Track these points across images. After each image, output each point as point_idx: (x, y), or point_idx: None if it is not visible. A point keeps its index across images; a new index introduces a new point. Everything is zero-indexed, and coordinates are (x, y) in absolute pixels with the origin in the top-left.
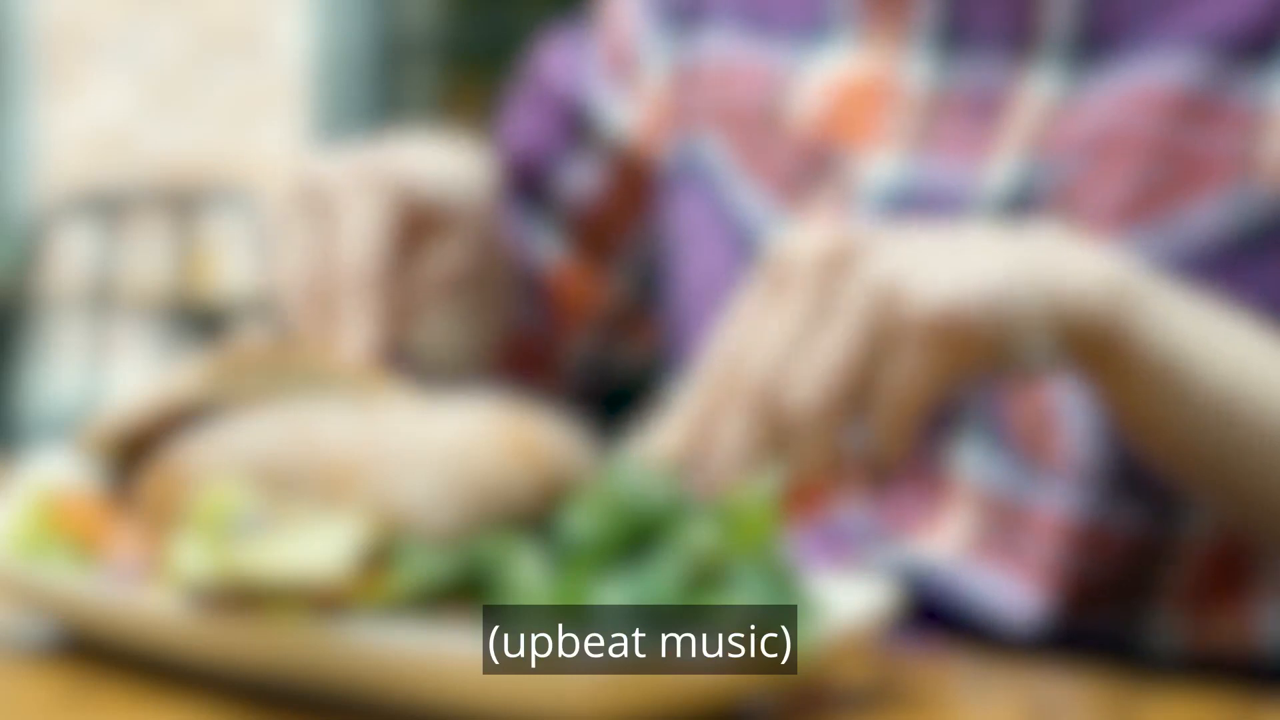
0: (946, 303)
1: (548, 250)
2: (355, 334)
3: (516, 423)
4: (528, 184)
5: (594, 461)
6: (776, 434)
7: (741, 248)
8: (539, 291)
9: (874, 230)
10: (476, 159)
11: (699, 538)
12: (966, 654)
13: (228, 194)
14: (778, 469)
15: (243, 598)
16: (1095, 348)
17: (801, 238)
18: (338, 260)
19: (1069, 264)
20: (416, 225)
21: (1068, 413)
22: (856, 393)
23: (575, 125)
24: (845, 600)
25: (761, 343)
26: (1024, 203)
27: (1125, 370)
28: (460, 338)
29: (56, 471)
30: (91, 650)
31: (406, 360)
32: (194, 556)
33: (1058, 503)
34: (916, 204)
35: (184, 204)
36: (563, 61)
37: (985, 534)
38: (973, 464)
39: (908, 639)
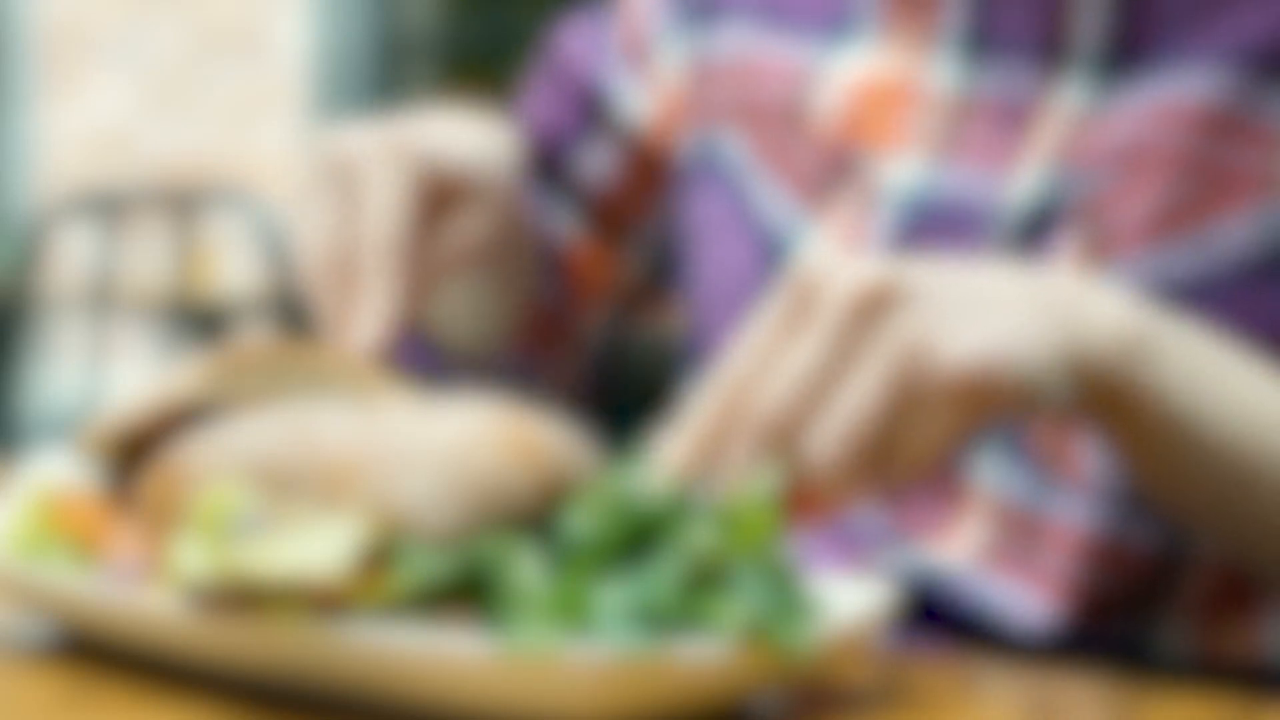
0: (975, 365)
1: (565, 229)
2: (375, 302)
3: (516, 423)
4: (545, 164)
5: (594, 461)
6: (788, 471)
7: (763, 249)
8: (557, 267)
9: (905, 272)
10: (499, 134)
11: (699, 538)
12: (968, 654)
13: (228, 194)
14: (780, 472)
15: (243, 598)
16: (1108, 398)
17: (836, 269)
18: (360, 230)
19: (1087, 314)
20: (439, 197)
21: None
22: (878, 449)
23: (591, 109)
24: (845, 600)
25: (780, 374)
26: (1049, 214)
27: (1135, 420)
28: (482, 309)
29: (56, 471)
30: (91, 650)
31: (427, 331)
32: (194, 556)
33: (1075, 516)
34: (939, 211)
35: (184, 204)
36: (581, 44)
37: (1000, 543)
38: (991, 474)
39: (913, 640)
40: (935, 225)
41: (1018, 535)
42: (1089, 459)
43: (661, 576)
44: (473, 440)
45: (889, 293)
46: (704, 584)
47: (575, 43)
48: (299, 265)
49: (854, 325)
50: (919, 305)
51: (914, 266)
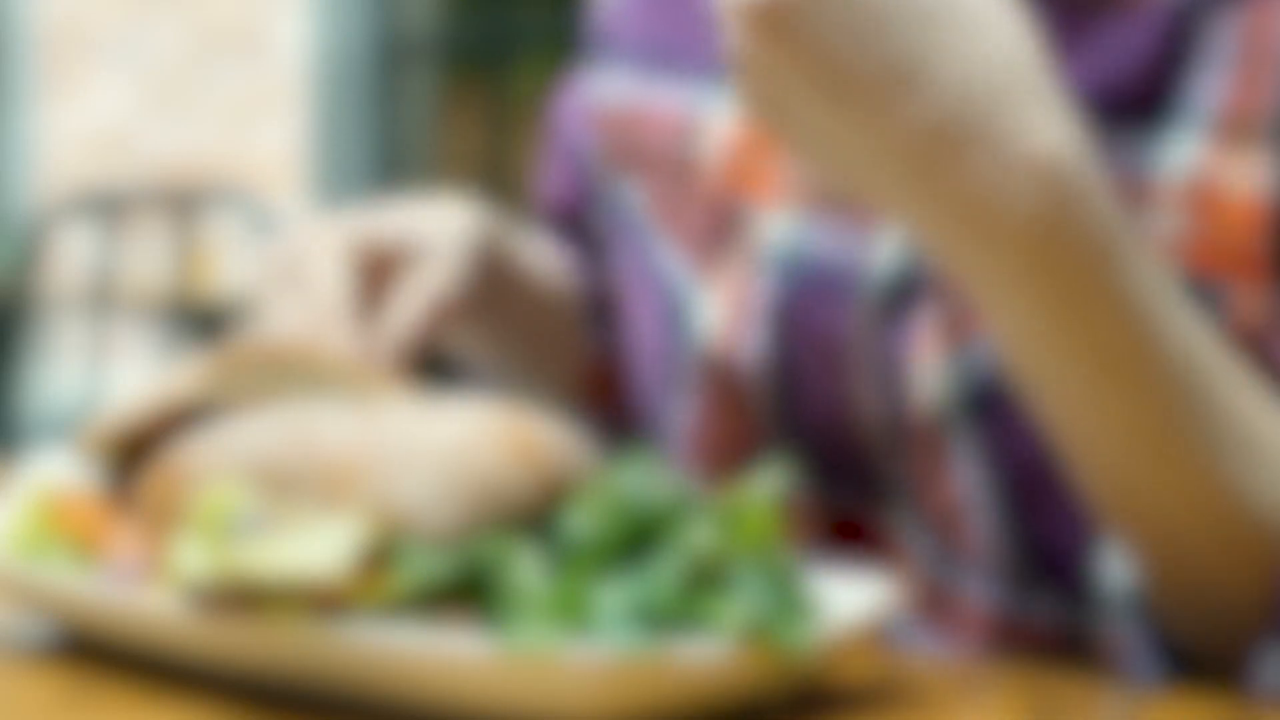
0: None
1: (614, 277)
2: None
3: (516, 423)
4: (573, 232)
5: (594, 461)
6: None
7: (667, 314)
8: (619, 311)
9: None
10: (445, 200)
11: (699, 538)
12: (966, 654)
13: (228, 194)
14: (780, 471)
15: (243, 598)
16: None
17: None
18: (311, 307)
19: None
20: (382, 259)
21: (970, 504)
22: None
23: (587, 173)
24: (845, 600)
25: None
26: (911, 279)
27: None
28: (503, 359)
29: (56, 471)
30: (91, 650)
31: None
32: (194, 556)
33: (977, 591)
34: (812, 274)
35: (184, 204)
36: (568, 108)
37: (925, 605)
38: (907, 538)
39: (913, 640)
40: (810, 289)
41: (936, 603)
42: (980, 535)
43: (661, 576)
44: (473, 440)
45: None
46: (704, 584)
47: (564, 108)
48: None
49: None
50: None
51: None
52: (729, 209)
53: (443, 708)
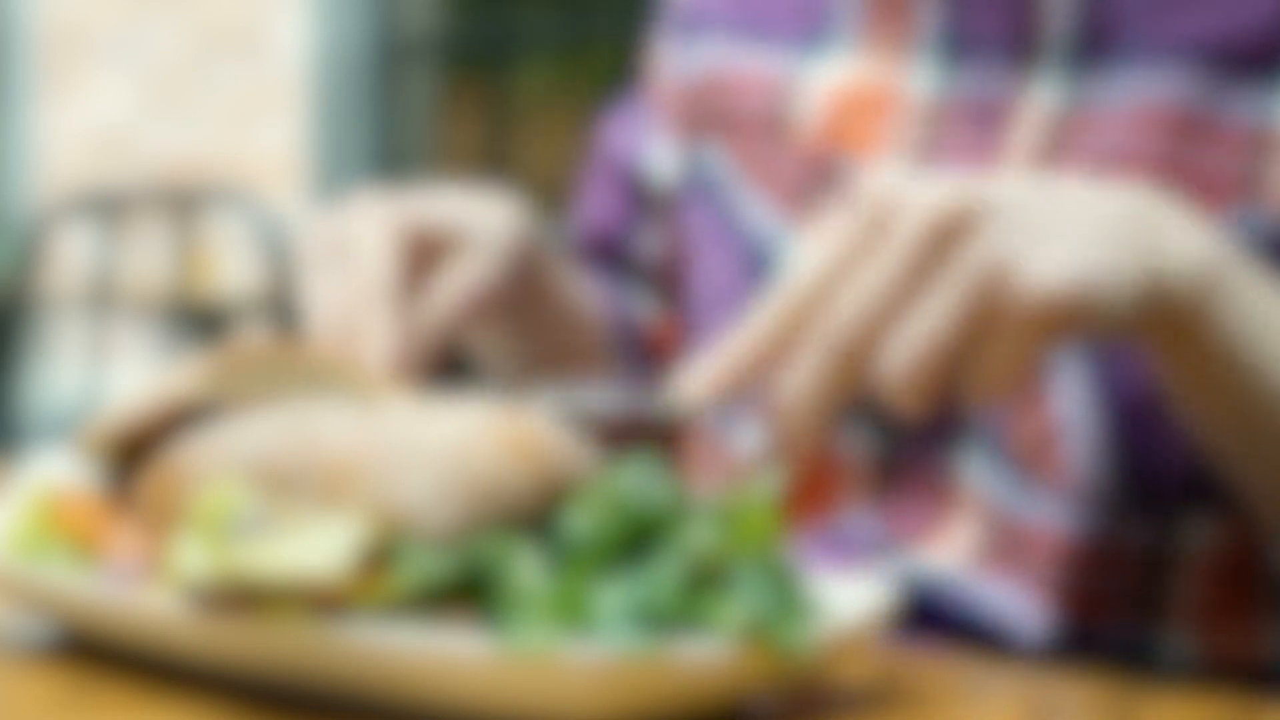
0: (1058, 290)
1: (646, 312)
2: (376, 342)
3: (516, 423)
4: (611, 255)
5: (594, 461)
6: (854, 387)
7: (749, 260)
8: (648, 348)
9: (986, 191)
10: (493, 195)
11: (699, 538)
12: (966, 654)
13: (228, 194)
14: (780, 470)
15: (243, 598)
16: (1175, 329)
17: (912, 190)
18: (354, 284)
19: (1168, 246)
20: (427, 245)
21: (1069, 429)
22: (951, 369)
23: (636, 194)
24: (845, 600)
25: (854, 291)
26: None
27: (1197, 354)
28: (525, 363)
29: (56, 471)
30: (91, 650)
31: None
32: (194, 556)
33: (1057, 520)
34: None
35: (184, 204)
36: (619, 132)
37: (989, 546)
38: (976, 476)
39: (913, 640)
40: None
41: (1005, 538)
42: (1070, 461)
43: (661, 576)
44: (473, 440)
45: (970, 213)
46: (704, 584)
47: (614, 131)
48: (311, 332)
49: (933, 245)
50: (1001, 225)
51: (995, 184)
52: (825, 162)
53: (443, 708)
